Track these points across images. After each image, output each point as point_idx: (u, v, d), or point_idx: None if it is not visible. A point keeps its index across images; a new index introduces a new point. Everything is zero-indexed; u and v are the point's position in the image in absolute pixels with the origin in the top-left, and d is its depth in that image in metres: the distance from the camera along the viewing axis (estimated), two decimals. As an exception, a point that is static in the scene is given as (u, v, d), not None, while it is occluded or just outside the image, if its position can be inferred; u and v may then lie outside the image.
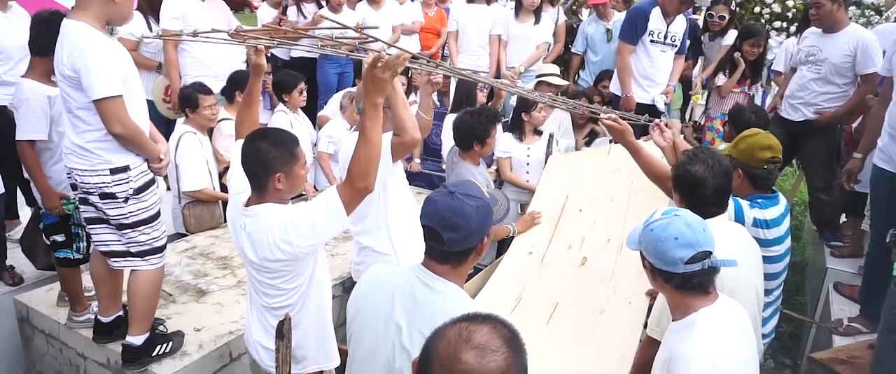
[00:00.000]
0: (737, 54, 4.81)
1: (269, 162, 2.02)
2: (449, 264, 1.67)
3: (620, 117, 2.80)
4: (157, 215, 2.55)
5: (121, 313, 2.73)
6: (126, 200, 2.42)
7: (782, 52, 5.06)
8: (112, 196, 2.40)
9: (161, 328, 2.78)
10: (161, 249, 2.58)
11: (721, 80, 4.93)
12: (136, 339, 2.57)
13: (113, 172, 2.38)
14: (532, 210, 3.52)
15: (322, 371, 2.35)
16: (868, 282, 3.23)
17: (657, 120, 2.96)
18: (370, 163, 1.95)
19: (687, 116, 5.98)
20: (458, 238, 1.61)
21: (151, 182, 2.52)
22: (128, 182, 2.41)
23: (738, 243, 2.17)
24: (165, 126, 4.35)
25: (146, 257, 2.53)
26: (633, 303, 2.78)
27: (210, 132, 4.11)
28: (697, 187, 2.15)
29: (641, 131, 3.22)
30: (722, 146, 2.74)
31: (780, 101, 4.37)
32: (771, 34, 5.83)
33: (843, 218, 4.37)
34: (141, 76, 4.42)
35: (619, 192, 3.41)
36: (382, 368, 1.70)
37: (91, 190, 2.41)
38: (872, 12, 5.79)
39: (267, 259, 2.03)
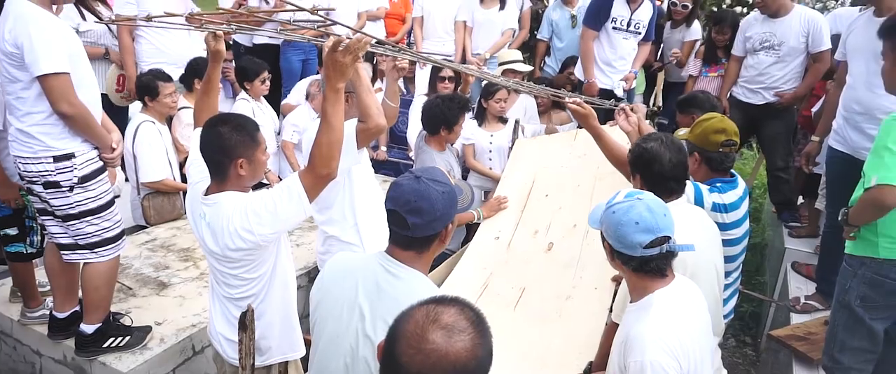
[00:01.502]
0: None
1: (231, 147, 1.98)
2: (413, 250, 1.66)
3: (586, 102, 2.82)
4: (108, 204, 2.48)
5: (77, 308, 2.65)
6: (71, 189, 2.34)
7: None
8: (56, 185, 2.32)
9: (122, 321, 2.71)
10: (114, 239, 2.51)
11: (693, 68, 5.00)
12: (87, 327, 2.53)
13: (56, 159, 2.30)
14: (498, 195, 3.52)
15: (287, 362, 2.32)
16: (823, 260, 3.33)
17: (623, 104, 2.99)
18: (332, 149, 1.93)
19: (651, 102, 6.05)
20: (423, 223, 1.60)
21: (100, 170, 2.43)
22: (72, 170, 2.33)
23: (697, 225, 2.21)
24: (121, 117, 4.23)
25: (96, 249, 2.46)
26: (599, 289, 2.80)
27: (169, 121, 4.01)
28: (654, 162, 2.19)
29: (607, 115, 3.24)
30: (682, 132, 2.77)
31: (729, 85, 4.45)
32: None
33: (800, 199, 4.50)
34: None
35: (584, 177, 3.43)
36: (346, 356, 1.69)
37: (34, 179, 2.33)
38: (828, -2, 5.93)
39: (228, 248, 1.99)
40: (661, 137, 2.27)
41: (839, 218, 2.31)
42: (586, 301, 2.75)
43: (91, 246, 2.45)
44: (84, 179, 2.36)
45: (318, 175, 1.94)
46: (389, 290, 1.65)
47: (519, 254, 3.14)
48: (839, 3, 5.69)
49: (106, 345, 2.55)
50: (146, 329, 2.69)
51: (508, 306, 2.84)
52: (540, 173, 3.58)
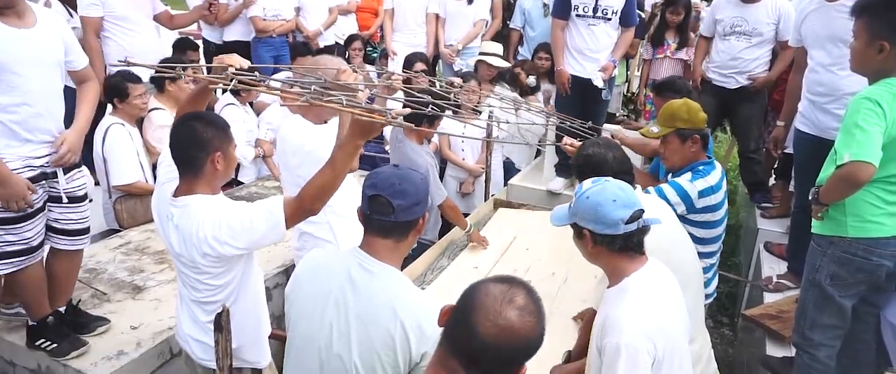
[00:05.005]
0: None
1: (207, 141, 1.95)
2: (392, 238, 1.68)
3: (571, 128, 2.88)
4: (14, 220, 2.37)
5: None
6: None
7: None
8: None
9: (99, 329, 2.71)
10: (10, 255, 2.40)
11: (645, 53, 5.08)
12: (30, 320, 2.59)
13: None
14: (484, 235, 3.55)
15: (254, 369, 2.29)
16: (794, 240, 3.39)
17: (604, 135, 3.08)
18: (327, 191, 1.90)
19: (625, 88, 6.10)
20: (407, 206, 1.63)
21: None
22: None
23: (658, 205, 2.28)
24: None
25: None
26: (573, 319, 2.81)
27: (140, 123, 3.95)
28: (602, 164, 2.27)
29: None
30: (654, 128, 2.79)
31: (700, 64, 4.51)
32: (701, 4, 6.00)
33: (772, 181, 4.57)
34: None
35: (566, 241, 3.43)
36: (320, 352, 1.69)
37: None
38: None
39: (196, 253, 1.96)
40: (596, 141, 2.42)
41: (810, 197, 2.34)
42: (563, 325, 2.74)
43: None
44: None
45: (303, 208, 1.92)
46: (363, 286, 1.67)
47: None
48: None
49: (37, 344, 2.57)
50: (79, 342, 2.61)
51: None
52: (521, 232, 3.62)
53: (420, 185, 1.68)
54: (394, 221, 1.64)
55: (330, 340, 1.67)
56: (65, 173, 2.51)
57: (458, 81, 3.91)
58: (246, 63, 1.94)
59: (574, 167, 2.42)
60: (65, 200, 2.53)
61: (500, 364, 1.20)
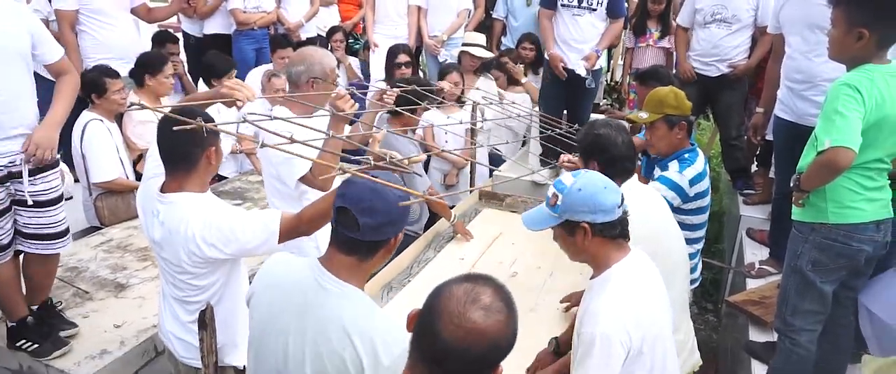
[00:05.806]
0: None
1: (203, 136, 1.89)
2: (356, 256, 1.56)
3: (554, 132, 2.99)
4: None
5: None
6: None
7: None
8: None
9: (68, 334, 2.65)
10: None
11: (628, 41, 5.10)
12: (8, 321, 2.58)
13: None
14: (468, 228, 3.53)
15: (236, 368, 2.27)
16: (775, 226, 3.43)
17: None
18: (326, 218, 1.84)
19: (608, 77, 6.12)
20: (374, 225, 1.51)
21: None
22: None
23: (652, 197, 2.28)
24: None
25: None
26: (559, 309, 2.82)
27: (119, 119, 3.89)
28: (612, 146, 2.24)
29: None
30: (643, 114, 2.80)
31: (684, 54, 4.52)
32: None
33: (754, 167, 4.62)
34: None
35: (551, 242, 3.42)
36: (278, 365, 1.63)
37: None
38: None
39: (181, 250, 1.92)
40: (608, 122, 2.37)
41: (791, 184, 2.36)
42: (550, 315, 2.75)
43: None
44: None
45: (298, 229, 1.92)
46: (317, 305, 1.56)
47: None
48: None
49: (18, 345, 2.55)
50: (61, 342, 2.58)
51: None
52: (507, 228, 3.60)
53: (395, 203, 1.54)
54: (359, 239, 1.52)
55: (285, 356, 1.59)
56: (34, 175, 2.43)
57: (446, 86, 3.91)
58: (253, 93, 1.95)
59: (580, 146, 2.36)
60: (29, 202, 2.43)
61: (465, 364, 1.14)
